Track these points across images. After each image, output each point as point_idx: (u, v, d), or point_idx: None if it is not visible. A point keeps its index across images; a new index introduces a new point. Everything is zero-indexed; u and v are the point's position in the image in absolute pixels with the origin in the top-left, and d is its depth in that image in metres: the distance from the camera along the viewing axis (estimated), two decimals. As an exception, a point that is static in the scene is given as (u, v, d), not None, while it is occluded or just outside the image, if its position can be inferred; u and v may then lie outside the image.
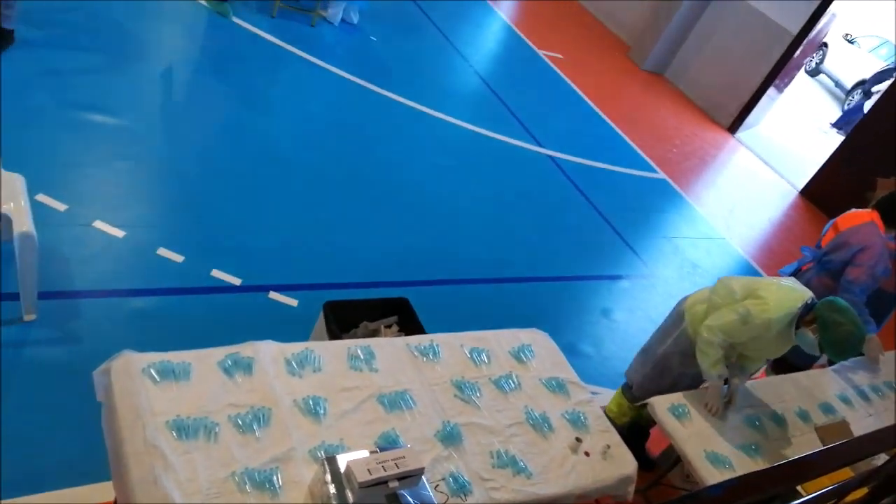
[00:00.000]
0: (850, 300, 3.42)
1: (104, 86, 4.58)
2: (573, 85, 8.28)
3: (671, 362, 3.37)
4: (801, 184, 8.52)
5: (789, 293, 3.00)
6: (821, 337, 2.89)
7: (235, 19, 6.02)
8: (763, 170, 8.77)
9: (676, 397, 3.18)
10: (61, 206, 3.57)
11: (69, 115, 4.22)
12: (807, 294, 3.03)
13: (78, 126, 4.18)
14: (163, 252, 3.62)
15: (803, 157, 9.61)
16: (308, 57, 6.03)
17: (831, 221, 4.09)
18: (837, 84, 14.65)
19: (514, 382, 2.85)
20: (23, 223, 2.80)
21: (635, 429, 3.61)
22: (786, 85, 9.46)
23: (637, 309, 5.10)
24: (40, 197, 3.52)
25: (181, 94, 5.05)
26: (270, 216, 4.26)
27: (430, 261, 4.56)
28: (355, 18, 6.95)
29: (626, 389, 3.61)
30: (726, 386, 3.22)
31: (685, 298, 3.47)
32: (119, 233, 3.60)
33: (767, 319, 2.94)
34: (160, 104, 4.79)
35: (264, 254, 3.97)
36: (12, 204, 2.88)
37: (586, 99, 8.12)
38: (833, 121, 12.35)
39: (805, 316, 2.97)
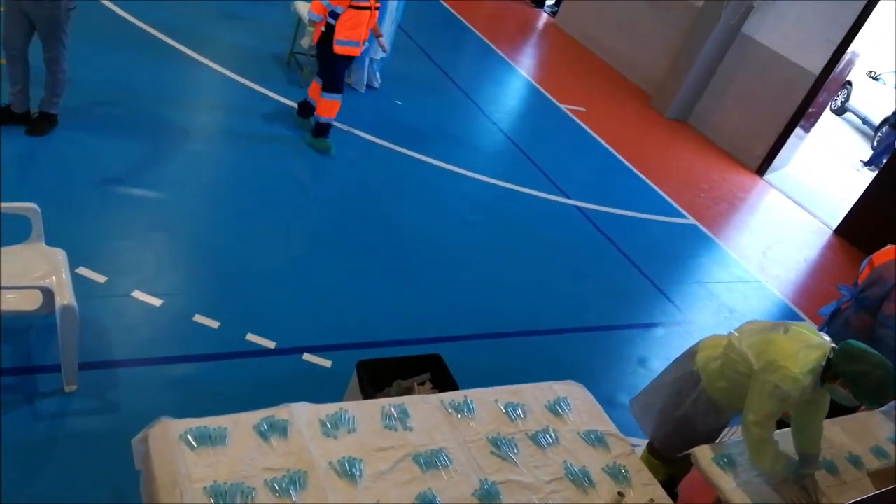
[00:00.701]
0: (887, 335, 3.31)
1: (140, 161, 4.77)
2: (597, 136, 8.36)
3: (694, 423, 3.20)
4: (835, 222, 8.38)
5: (808, 353, 2.78)
6: (851, 391, 2.72)
7: (267, 91, 6.25)
8: (795, 210, 8.66)
9: (720, 447, 3.09)
10: (101, 278, 3.68)
11: (109, 190, 4.39)
12: (825, 346, 2.83)
13: (117, 200, 4.34)
14: (199, 319, 3.69)
15: (835, 196, 9.48)
16: (336, 124, 6.20)
17: (867, 258, 4.01)
18: (865, 121, 14.53)
19: (551, 437, 2.80)
20: (64, 296, 2.89)
21: (669, 486, 3.47)
22: (812, 125, 9.42)
23: (674, 356, 4.99)
24: (81, 270, 3.63)
25: (213, 165, 5.21)
26: (302, 279, 4.33)
27: (462, 316, 4.56)
28: (377, 83, 7.16)
29: (652, 449, 3.47)
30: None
31: (693, 354, 3.28)
32: (156, 301, 3.69)
33: (801, 388, 2.75)
34: (192, 175, 4.95)
35: (297, 316, 4.01)
36: (54, 278, 2.99)
37: (611, 149, 8.17)
38: (863, 158, 12.21)
39: (828, 373, 2.78)
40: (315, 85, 5.66)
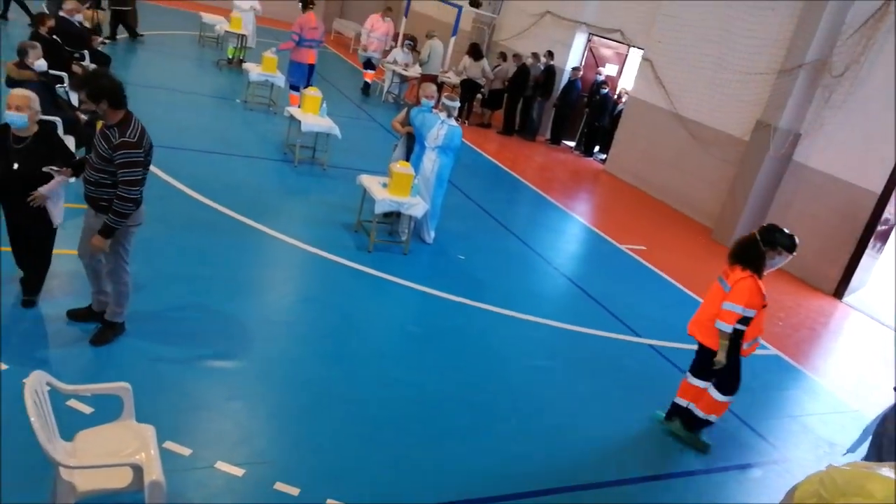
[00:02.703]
0: None
1: (220, 333, 5.00)
2: (661, 273, 8.35)
3: None
4: (931, 341, 7.93)
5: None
6: None
7: (338, 258, 6.58)
8: (883, 332, 8.26)
9: None
10: (186, 451, 3.76)
11: (191, 363, 4.59)
12: None
13: (199, 373, 4.53)
14: (279, 486, 3.69)
15: (925, 313, 9.03)
16: (403, 282, 6.43)
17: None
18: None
19: None
20: (153, 472, 2.96)
21: None
22: (884, 242, 9.20)
23: (776, 500, 4.63)
24: (168, 444, 3.73)
25: (288, 331, 5.41)
26: (379, 436, 4.31)
27: (540, 468, 4.40)
28: (429, 238, 7.46)
29: None
30: None
31: (791, 494, 3.08)
32: (238, 471, 3.72)
33: None
34: (269, 343, 5.13)
35: (376, 475, 3.96)
36: (144, 454, 3.08)
37: (677, 284, 8.12)
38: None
39: None
40: (692, 386, 5.12)
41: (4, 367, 4.07)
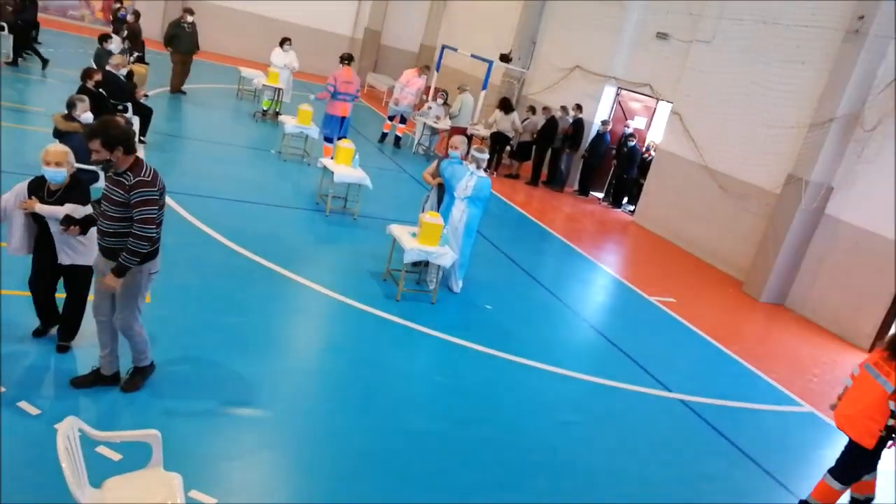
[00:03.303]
0: None
1: (247, 382, 5.03)
2: (691, 326, 8.23)
3: None
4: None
5: None
6: None
7: (366, 307, 6.62)
8: (924, 390, 7.98)
9: None
10: (211, 501, 3.76)
11: (219, 411, 4.62)
12: None
13: (226, 421, 4.54)
14: (303, 539, 3.66)
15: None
16: (431, 331, 6.43)
17: None
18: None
19: None
20: (179, 520, 2.97)
21: None
22: (922, 298, 8.98)
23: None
24: (193, 493, 3.74)
25: (317, 380, 5.43)
26: (407, 490, 4.26)
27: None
28: (456, 287, 7.48)
29: None
30: None
31: None
32: (263, 522, 3.70)
33: None
34: (297, 392, 5.15)
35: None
36: (170, 502, 3.09)
37: (708, 338, 7.99)
38: None
39: None
40: (832, 490, 4.89)
41: (36, 411, 4.15)
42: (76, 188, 4.64)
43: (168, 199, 7.84)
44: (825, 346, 8.64)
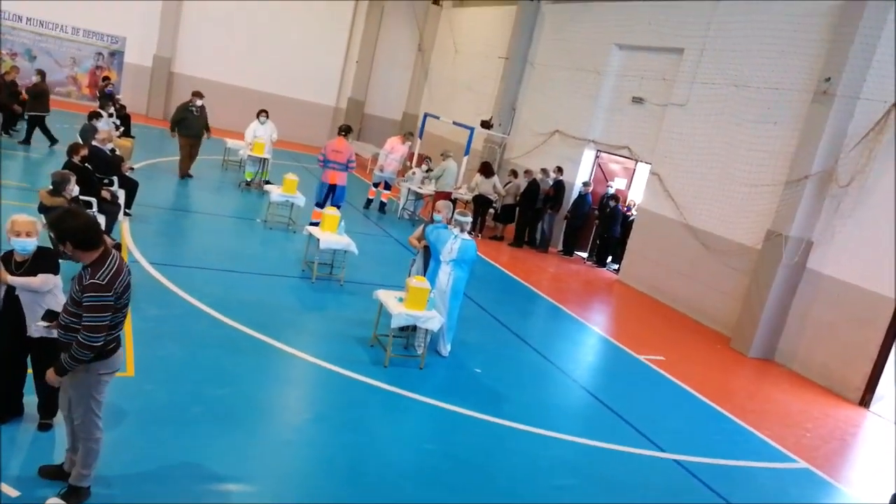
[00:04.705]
0: None
1: (232, 454, 4.93)
2: (681, 384, 8.20)
3: None
4: (968, 452, 7.61)
5: None
6: None
7: (353, 374, 6.55)
8: (917, 442, 7.96)
9: None
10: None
11: (204, 487, 4.50)
12: None
13: (213, 496, 4.42)
14: None
15: (959, 422, 8.71)
16: (419, 397, 6.36)
17: None
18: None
19: None
20: None
21: None
22: (907, 349, 9.03)
23: None
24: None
25: (304, 451, 5.32)
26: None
27: None
28: (444, 351, 7.44)
29: None
30: None
31: None
32: None
33: None
34: (285, 464, 5.04)
35: None
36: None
37: (698, 395, 7.96)
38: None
39: None
40: None
41: (16, 493, 4.03)
42: (44, 257, 4.52)
43: (153, 271, 7.84)
44: (815, 401, 8.62)
